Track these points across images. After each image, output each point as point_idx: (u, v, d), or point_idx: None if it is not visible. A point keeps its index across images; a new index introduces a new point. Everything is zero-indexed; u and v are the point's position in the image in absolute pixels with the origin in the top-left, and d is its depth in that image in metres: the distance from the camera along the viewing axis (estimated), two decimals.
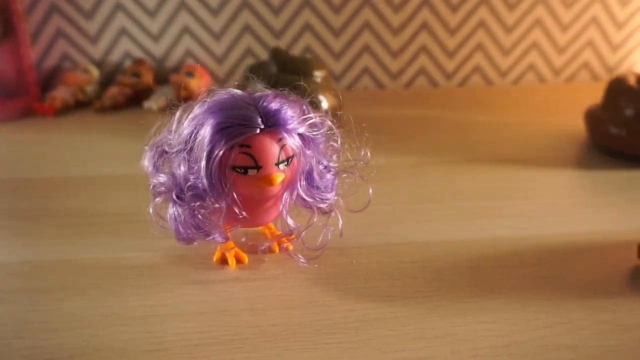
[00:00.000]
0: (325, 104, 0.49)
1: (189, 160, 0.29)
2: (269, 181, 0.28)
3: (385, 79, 0.76)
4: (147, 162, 0.31)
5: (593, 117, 0.51)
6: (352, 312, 0.28)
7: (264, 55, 0.72)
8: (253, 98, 0.29)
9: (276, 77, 0.50)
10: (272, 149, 0.28)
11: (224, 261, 0.33)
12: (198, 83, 0.69)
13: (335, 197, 0.33)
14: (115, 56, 0.71)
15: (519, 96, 0.72)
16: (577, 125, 0.54)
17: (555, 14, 0.74)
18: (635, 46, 0.77)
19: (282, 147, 0.29)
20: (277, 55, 0.53)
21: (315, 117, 0.30)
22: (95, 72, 0.69)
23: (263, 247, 0.33)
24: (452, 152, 0.51)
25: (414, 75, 0.76)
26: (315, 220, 0.31)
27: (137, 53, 0.71)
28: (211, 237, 0.30)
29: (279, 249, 0.34)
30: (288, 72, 0.52)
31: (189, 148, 0.29)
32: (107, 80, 0.70)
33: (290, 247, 0.34)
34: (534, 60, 0.77)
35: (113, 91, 0.66)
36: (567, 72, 0.78)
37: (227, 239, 0.31)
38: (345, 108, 0.58)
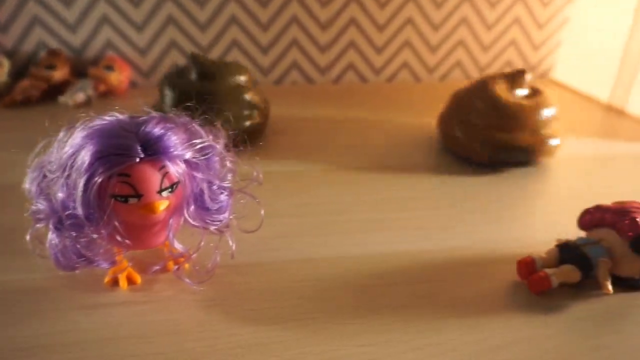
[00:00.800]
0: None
1: (67, 187, 0.28)
2: (150, 209, 0.28)
3: (314, 74, 0.76)
4: (28, 185, 0.30)
5: (442, 121, 0.54)
6: (237, 337, 0.29)
7: (189, 46, 0.71)
8: (135, 124, 0.28)
9: (197, 85, 0.50)
10: (153, 178, 0.28)
11: (115, 282, 0.32)
12: (118, 77, 0.66)
13: (230, 217, 0.33)
14: (28, 46, 0.68)
15: (444, 94, 0.73)
16: None
17: (481, 13, 0.76)
18: (555, 46, 0.80)
19: (165, 174, 0.28)
20: (196, 60, 0.52)
21: (204, 141, 0.30)
22: (5, 63, 0.65)
23: (155, 269, 0.32)
24: (360, 157, 0.52)
25: (343, 70, 0.76)
26: (202, 244, 0.31)
27: (53, 43, 0.68)
28: (95, 265, 0.29)
29: (174, 268, 0.34)
30: (208, 79, 0.52)
31: (67, 175, 0.28)
32: (19, 72, 0.67)
33: (187, 266, 0.34)
34: (460, 57, 0.78)
35: (25, 84, 0.63)
36: (492, 69, 0.80)
37: (113, 264, 0.31)
38: (272, 105, 0.59)
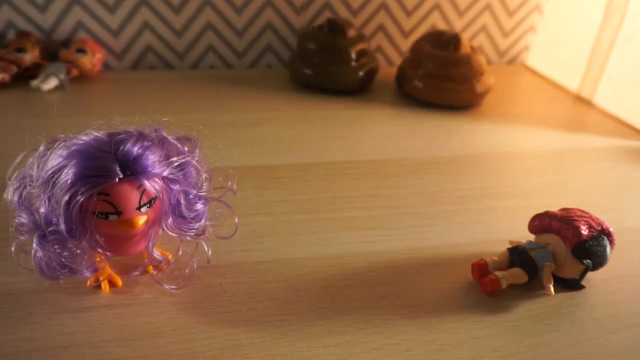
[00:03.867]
0: None
1: (50, 203, 0.29)
2: (130, 225, 0.30)
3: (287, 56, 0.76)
4: (10, 196, 0.31)
5: (401, 71, 0.68)
6: (213, 340, 0.31)
7: (162, 28, 0.70)
8: (114, 144, 0.29)
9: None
10: (132, 196, 0.29)
11: (98, 285, 0.34)
12: (91, 60, 0.66)
13: (206, 224, 0.35)
14: None
15: None
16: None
17: (453, 0, 0.77)
18: (524, 32, 0.82)
19: (143, 191, 0.30)
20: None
21: (181, 158, 0.31)
22: None
23: (136, 273, 0.34)
24: (331, 150, 0.54)
25: None
26: (180, 253, 0.33)
27: (22, 24, 0.67)
28: (78, 274, 0.31)
29: (153, 272, 0.35)
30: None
31: (49, 192, 0.29)
32: None
33: (165, 268, 0.36)
34: None
35: None
36: None
37: (96, 271, 0.32)
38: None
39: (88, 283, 0.34)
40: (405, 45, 0.79)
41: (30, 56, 0.64)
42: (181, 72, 0.72)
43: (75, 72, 0.64)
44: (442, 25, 0.78)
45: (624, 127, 0.64)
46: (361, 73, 0.67)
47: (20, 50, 0.63)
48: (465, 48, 0.65)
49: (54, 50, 0.67)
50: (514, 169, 0.54)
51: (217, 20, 0.71)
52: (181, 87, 0.67)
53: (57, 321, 0.32)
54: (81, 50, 0.65)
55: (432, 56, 0.65)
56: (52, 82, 0.62)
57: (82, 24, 0.68)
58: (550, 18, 0.79)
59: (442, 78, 0.64)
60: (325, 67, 0.66)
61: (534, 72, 0.81)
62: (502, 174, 0.52)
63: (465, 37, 0.67)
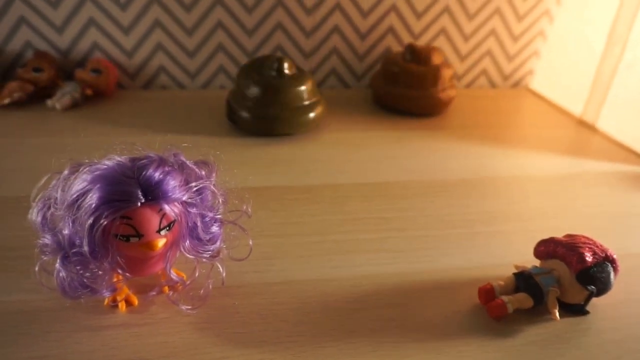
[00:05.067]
0: None
1: (74, 226, 0.30)
2: (150, 247, 0.31)
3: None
4: (34, 217, 0.32)
5: (374, 82, 0.73)
6: None
7: (174, 49, 0.72)
8: (136, 169, 0.31)
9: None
10: (153, 219, 0.30)
11: (115, 304, 0.35)
12: (106, 80, 0.67)
13: (221, 246, 0.36)
14: (14, 46, 0.68)
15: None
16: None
17: (459, 25, 0.79)
18: (528, 57, 0.83)
19: (163, 215, 0.31)
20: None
21: (199, 183, 0.32)
22: None
23: (153, 293, 0.35)
24: (340, 172, 0.55)
25: (328, 74, 0.78)
26: (197, 275, 0.34)
27: (39, 44, 0.68)
28: (98, 294, 0.32)
29: (169, 291, 0.36)
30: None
31: (74, 215, 0.30)
32: (4, 72, 0.67)
33: (181, 288, 0.36)
34: None
35: (12, 87, 0.63)
36: (468, 78, 0.83)
37: (115, 291, 0.33)
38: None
39: (105, 302, 0.35)
40: None
41: (46, 76, 0.65)
42: (192, 92, 0.74)
43: (89, 91, 0.66)
44: (448, 49, 0.80)
45: (626, 153, 0.65)
46: (312, 115, 0.62)
47: (38, 69, 0.65)
48: (423, 58, 0.70)
49: (69, 70, 0.69)
50: (519, 192, 0.55)
51: (228, 42, 0.73)
52: (192, 107, 0.69)
53: (76, 339, 0.33)
54: (96, 70, 0.67)
55: (394, 64, 0.70)
56: (67, 101, 0.64)
57: (98, 44, 0.70)
58: (554, 44, 0.81)
59: (396, 82, 0.70)
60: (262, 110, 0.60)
61: (538, 96, 0.83)
62: (508, 197, 0.53)
63: (427, 48, 0.71)
